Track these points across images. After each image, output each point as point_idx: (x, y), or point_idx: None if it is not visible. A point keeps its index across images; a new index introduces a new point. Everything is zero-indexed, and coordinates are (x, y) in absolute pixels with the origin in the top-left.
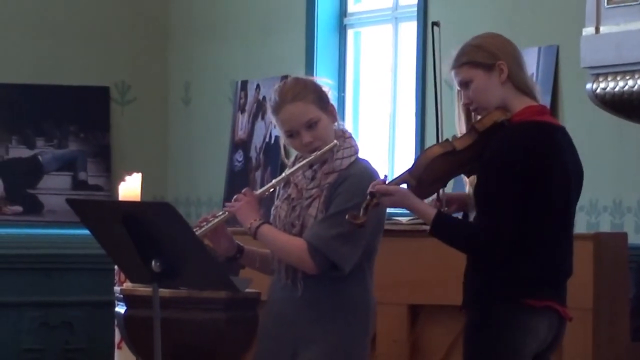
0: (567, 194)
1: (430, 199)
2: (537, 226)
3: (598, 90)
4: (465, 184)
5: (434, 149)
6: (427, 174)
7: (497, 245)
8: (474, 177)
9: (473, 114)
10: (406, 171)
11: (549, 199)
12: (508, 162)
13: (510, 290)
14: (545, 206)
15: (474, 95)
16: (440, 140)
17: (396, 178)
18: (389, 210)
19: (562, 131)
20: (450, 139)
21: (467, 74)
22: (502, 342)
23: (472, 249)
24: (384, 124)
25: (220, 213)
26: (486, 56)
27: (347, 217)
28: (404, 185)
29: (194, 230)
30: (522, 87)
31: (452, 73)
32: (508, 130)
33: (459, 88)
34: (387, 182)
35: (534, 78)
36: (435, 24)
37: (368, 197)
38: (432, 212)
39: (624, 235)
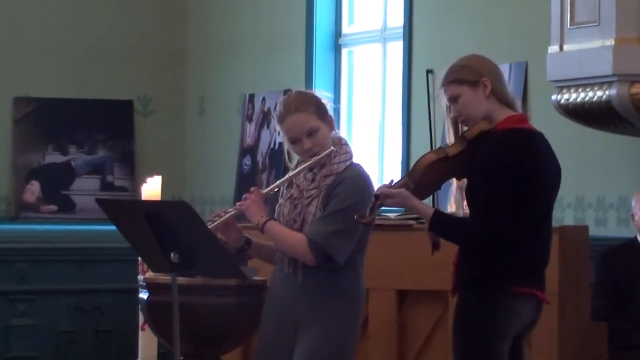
0: (547, 192)
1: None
2: (522, 221)
3: (562, 101)
4: (452, 184)
5: (429, 156)
6: (424, 177)
7: (488, 240)
8: (462, 181)
9: (460, 125)
10: (405, 175)
11: (532, 197)
12: (496, 165)
13: (498, 277)
14: (529, 203)
15: (462, 108)
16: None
17: (397, 182)
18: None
19: (540, 136)
20: (443, 147)
21: (455, 90)
22: (489, 323)
23: (466, 243)
24: (374, 131)
25: (231, 209)
26: (471, 74)
27: (355, 217)
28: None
29: (208, 224)
30: (504, 99)
31: (442, 90)
32: (494, 138)
33: (447, 103)
34: (390, 186)
35: None
36: (429, 71)
37: (373, 199)
38: (430, 210)
39: (585, 228)
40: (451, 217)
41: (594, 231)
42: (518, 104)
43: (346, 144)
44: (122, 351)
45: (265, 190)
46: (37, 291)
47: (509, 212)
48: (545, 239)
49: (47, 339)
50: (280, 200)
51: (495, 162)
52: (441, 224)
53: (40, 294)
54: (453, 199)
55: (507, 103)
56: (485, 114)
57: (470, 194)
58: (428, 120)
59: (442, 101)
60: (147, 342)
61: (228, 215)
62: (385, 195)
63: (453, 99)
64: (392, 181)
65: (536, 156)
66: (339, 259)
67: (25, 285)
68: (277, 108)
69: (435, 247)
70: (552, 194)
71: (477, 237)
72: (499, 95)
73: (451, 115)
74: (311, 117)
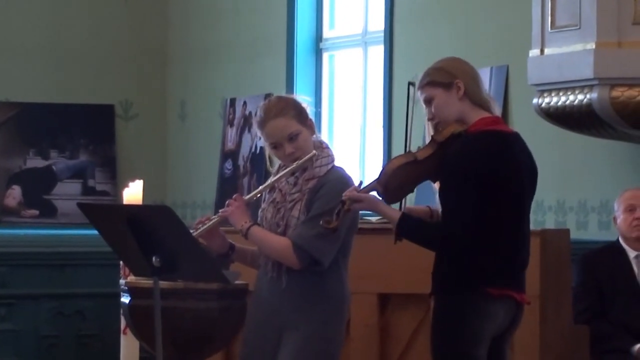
0: (520, 193)
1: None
2: (494, 222)
3: (543, 105)
4: (435, 192)
5: (397, 159)
6: (392, 181)
7: (455, 243)
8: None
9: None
10: (374, 180)
11: (505, 198)
12: (466, 167)
13: (471, 279)
14: (501, 204)
15: (435, 110)
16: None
17: (366, 186)
18: (362, 211)
19: (514, 137)
20: (413, 151)
21: (429, 92)
22: (464, 326)
23: (433, 247)
24: (355, 135)
25: (214, 216)
26: (445, 76)
27: (321, 222)
28: (374, 193)
29: (191, 231)
30: (478, 101)
31: (418, 93)
32: (465, 139)
33: (424, 106)
34: (358, 190)
35: None
36: (411, 83)
37: (340, 204)
38: (397, 215)
39: (566, 232)
40: (418, 221)
41: (576, 234)
42: (494, 105)
43: (327, 147)
44: (104, 356)
45: (247, 196)
46: (18, 296)
47: (478, 215)
48: (521, 241)
49: (29, 343)
50: (263, 205)
51: (465, 165)
52: (408, 228)
53: (22, 299)
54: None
55: (482, 105)
56: (458, 115)
57: (441, 197)
58: (405, 130)
59: (421, 104)
60: (129, 347)
61: (211, 222)
62: (353, 200)
63: (427, 101)
64: (360, 184)
65: (507, 158)
66: (323, 262)
67: (6, 290)
68: (258, 113)
69: (399, 237)
70: (526, 196)
71: (444, 241)
72: (473, 97)
73: (426, 117)
74: (292, 122)
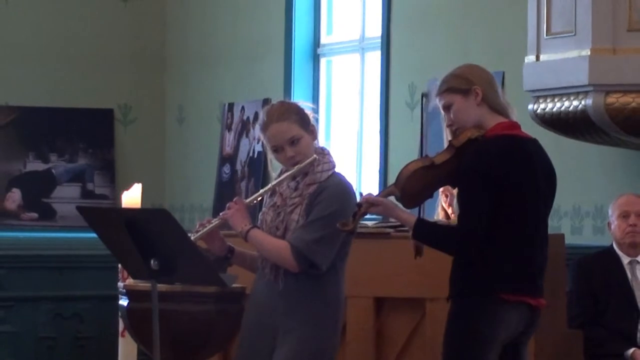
0: (535, 197)
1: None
2: (510, 227)
3: (539, 111)
4: (440, 195)
5: (414, 163)
6: (409, 185)
7: (470, 245)
8: (446, 189)
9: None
10: (392, 184)
11: (520, 202)
12: (480, 169)
13: (487, 284)
14: (517, 208)
15: (454, 116)
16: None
17: (383, 190)
18: (377, 215)
19: (532, 142)
20: (431, 155)
21: (448, 98)
22: (476, 330)
23: (448, 249)
24: (352, 140)
25: (215, 219)
26: (463, 82)
27: (338, 225)
28: (392, 197)
29: (192, 234)
30: (496, 107)
31: (437, 99)
32: (482, 143)
33: (443, 112)
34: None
35: None
36: (424, 95)
37: (357, 207)
38: (413, 219)
39: (561, 237)
40: (434, 225)
41: (570, 239)
42: (512, 111)
43: (329, 154)
44: (101, 358)
45: (248, 200)
46: (16, 298)
47: (493, 217)
48: (537, 245)
49: (27, 345)
50: (264, 209)
51: (479, 167)
52: (424, 232)
53: (20, 301)
54: (440, 208)
55: (500, 110)
56: (477, 121)
57: (458, 202)
58: (420, 136)
59: (440, 110)
60: (126, 349)
61: (212, 225)
62: (370, 204)
63: (446, 108)
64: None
65: (521, 161)
66: (321, 265)
67: (5, 292)
68: (260, 117)
69: (418, 252)
70: (542, 201)
71: (460, 244)
72: (491, 103)
73: (445, 123)
74: (293, 126)
